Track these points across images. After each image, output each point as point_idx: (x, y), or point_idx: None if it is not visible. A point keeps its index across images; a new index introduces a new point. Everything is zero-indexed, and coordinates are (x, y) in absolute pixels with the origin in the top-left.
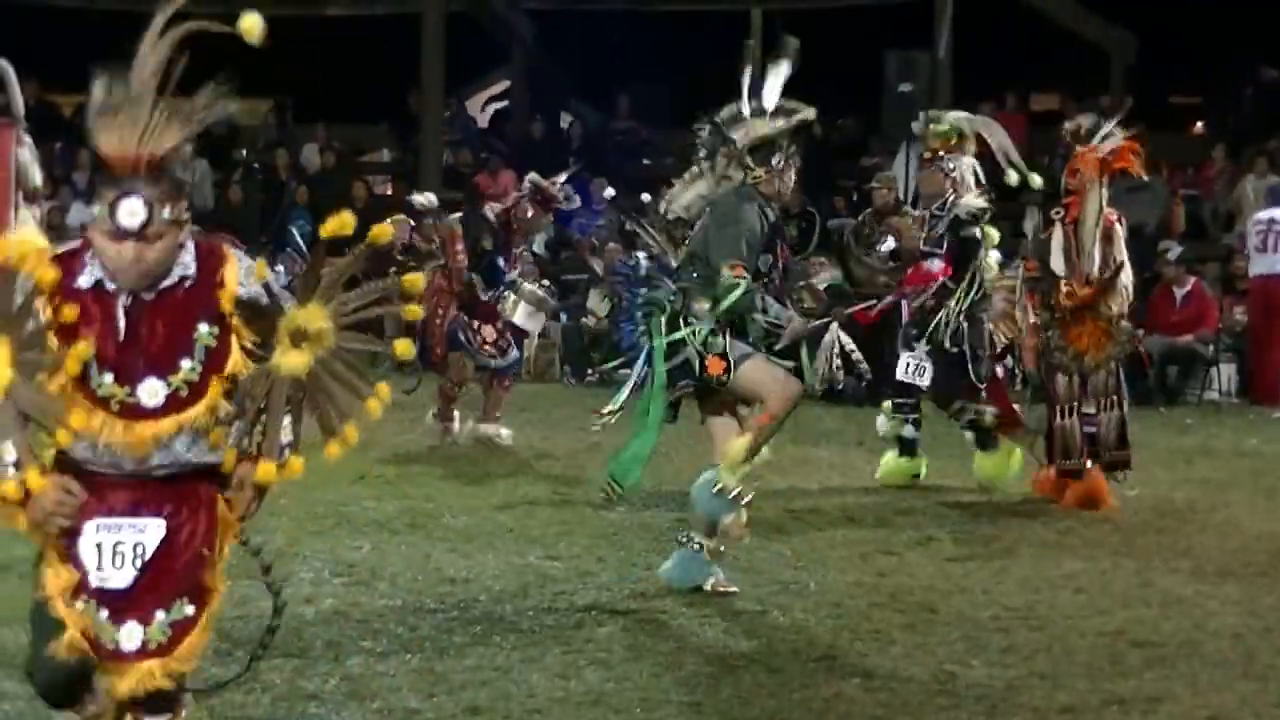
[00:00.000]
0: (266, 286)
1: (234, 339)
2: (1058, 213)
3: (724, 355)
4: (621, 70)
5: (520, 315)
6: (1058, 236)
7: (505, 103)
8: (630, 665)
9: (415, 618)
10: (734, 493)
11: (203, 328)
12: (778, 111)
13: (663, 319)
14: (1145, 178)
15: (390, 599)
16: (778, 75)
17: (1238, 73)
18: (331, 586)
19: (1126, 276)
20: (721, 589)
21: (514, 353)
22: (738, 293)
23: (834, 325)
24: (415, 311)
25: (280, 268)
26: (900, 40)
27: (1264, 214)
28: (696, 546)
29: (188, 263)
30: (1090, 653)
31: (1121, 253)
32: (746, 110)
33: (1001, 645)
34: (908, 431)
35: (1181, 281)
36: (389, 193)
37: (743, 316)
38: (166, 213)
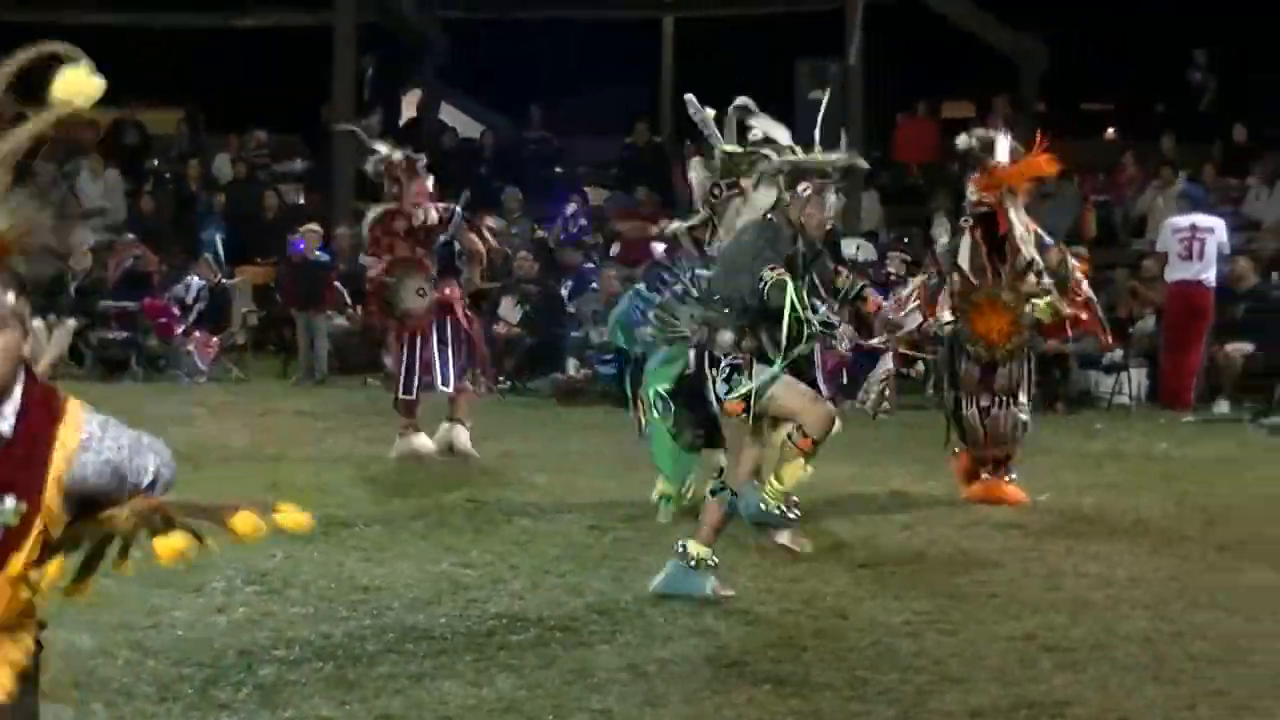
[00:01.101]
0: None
1: (38, 527)
2: (966, 220)
3: (745, 397)
4: (535, 79)
5: None
6: (966, 242)
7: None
8: (542, 672)
9: (328, 626)
10: (702, 560)
11: (8, 502)
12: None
13: (662, 335)
14: (1051, 184)
15: (303, 607)
16: (820, 109)
17: (1151, 78)
18: (244, 595)
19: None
20: (721, 592)
21: None
22: (788, 291)
23: (888, 355)
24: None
25: (194, 277)
26: (811, 49)
27: (1184, 220)
28: (691, 562)
29: (6, 414)
30: (1001, 657)
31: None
32: (786, 138)
33: (913, 650)
34: None
35: None
36: (301, 202)
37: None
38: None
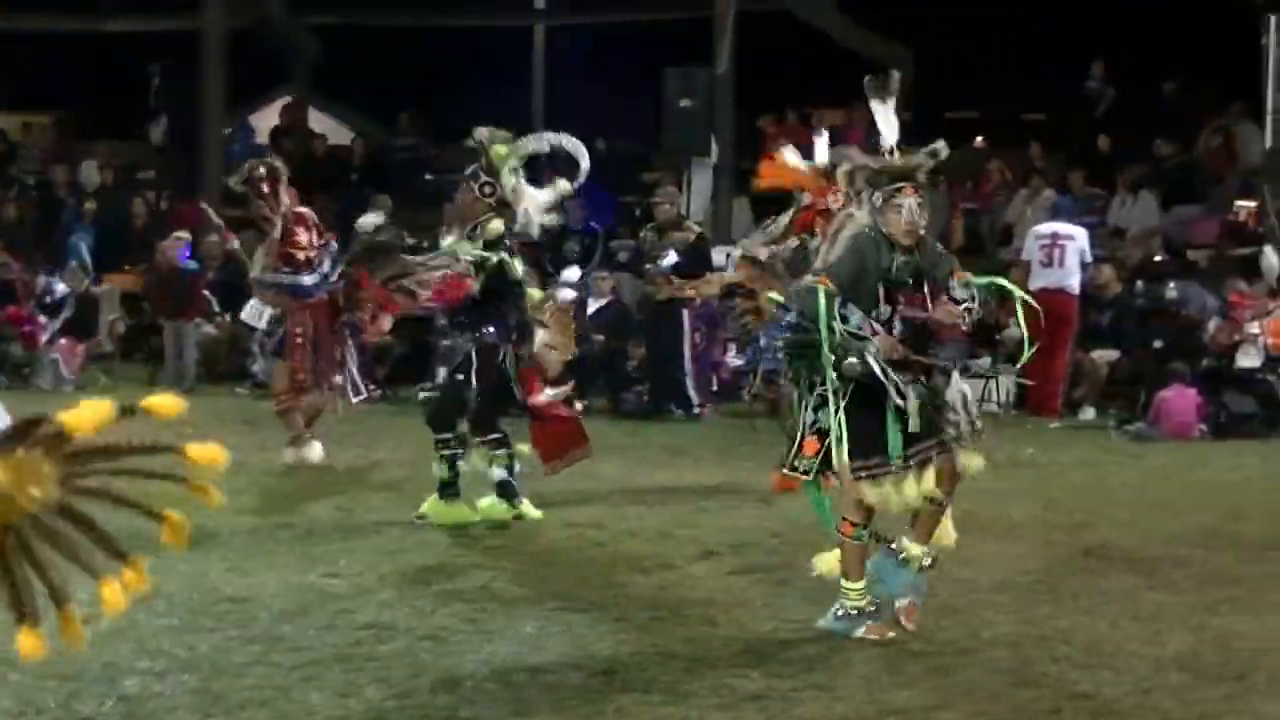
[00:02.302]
0: None
1: None
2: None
3: (822, 434)
4: (405, 86)
5: (249, 313)
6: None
7: None
8: (411, 682)
9: (194, 637)
10: (854, 610)
11: None
12: (901, 151)
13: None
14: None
15: (168, 618)
16: (887, 112)
17: (1018, 87)
18: None
19: None
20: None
21: None
22: (815, 298)
23: (955, 375)
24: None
25: (60, 284)
26: (680, 56)
27: (1045, 228)
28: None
29: None
30: (868, 664)
31: None
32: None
33: (780, 657)
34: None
35: None
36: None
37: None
38: None
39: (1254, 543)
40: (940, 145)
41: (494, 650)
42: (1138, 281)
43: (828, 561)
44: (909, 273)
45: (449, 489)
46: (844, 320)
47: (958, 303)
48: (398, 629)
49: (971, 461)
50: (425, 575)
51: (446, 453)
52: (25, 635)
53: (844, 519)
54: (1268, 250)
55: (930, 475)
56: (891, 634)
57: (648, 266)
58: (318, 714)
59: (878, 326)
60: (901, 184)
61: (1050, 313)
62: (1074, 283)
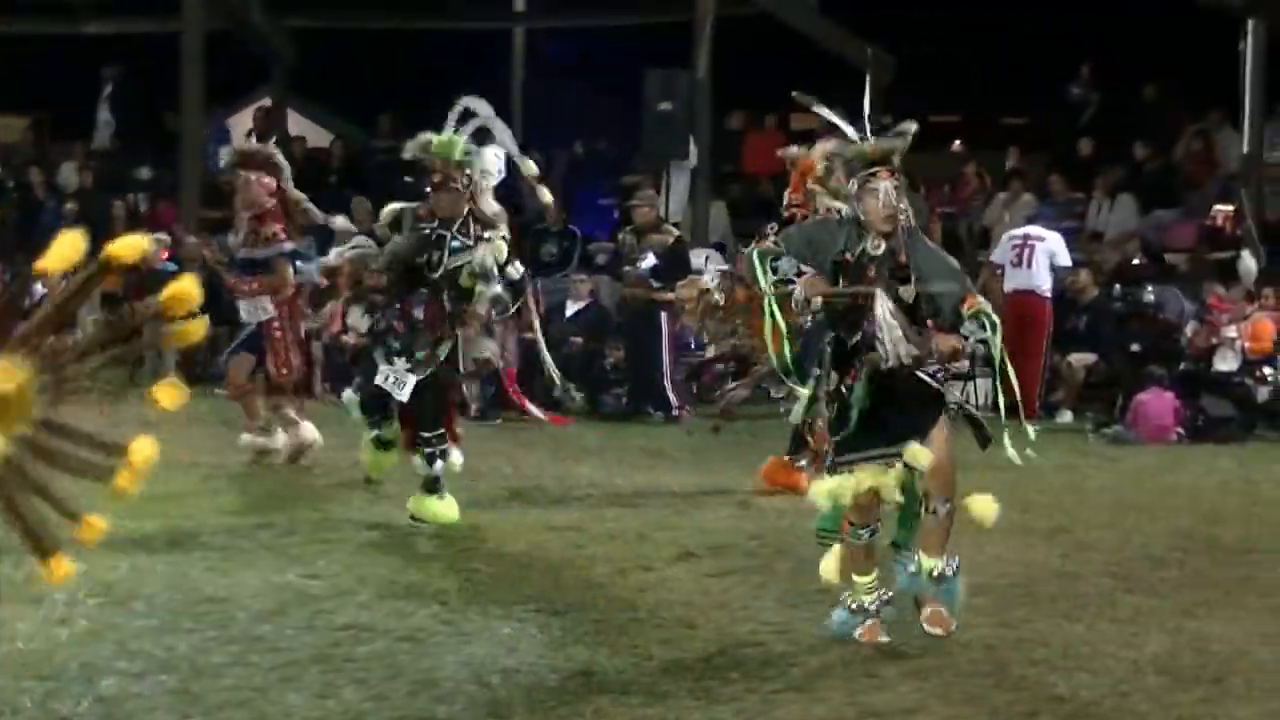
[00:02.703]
0: None
1: None
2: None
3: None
4: (385, 88)
5: (246, 312)
6: None
7: None
8: (389, 684)
9: (172, 638)
10: (856, 605)
11: None
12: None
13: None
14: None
15: (147, 619)
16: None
17: (998, 91)
18: (86, 608)
19: None
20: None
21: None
22: (750, 259)
23: (879, 293)
24: (194, 332)
25: (39, 285)
26: (660, 59)
27: (1019, 230)
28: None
29: None
30: (846, 666)
31: None
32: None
33: (759, 659)
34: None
35: None
36: (144, 209)
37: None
38: None
39: (1231, 546)
40: (909, 125)
41: (472, 651)
42: (1115, 285)
43: (828, 565)
44: (886, 259)
45: (437, 483)
46: (774, 271)
47: (966, 339)
48: (376, 630)
49: (918, 454)
50: (403, 576)
51: (440, 448)
52: (53, 563)
53: (844, 518)
54: (1245, 254)
55: (892, 476)
56: (884, 639)
57: (626, 269)
58: (295, 715)
59: (805, 269)
60: (876, 168)
61: (1021, 314)
62: (1044, 284)
